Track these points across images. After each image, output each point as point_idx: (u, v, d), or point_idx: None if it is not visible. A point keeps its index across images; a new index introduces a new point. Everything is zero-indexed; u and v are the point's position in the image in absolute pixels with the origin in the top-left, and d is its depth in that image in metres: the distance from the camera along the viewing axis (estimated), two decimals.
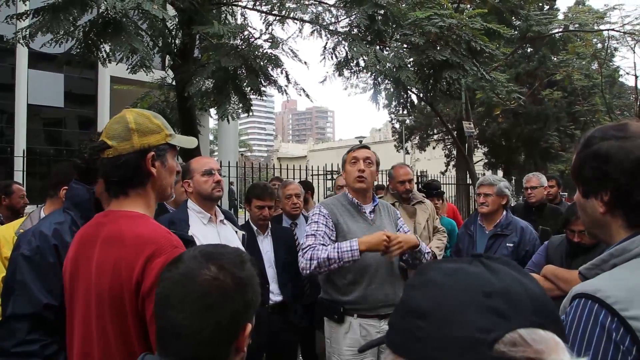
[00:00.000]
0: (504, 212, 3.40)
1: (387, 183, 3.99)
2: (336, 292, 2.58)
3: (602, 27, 13.84)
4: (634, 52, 14.99)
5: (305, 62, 5.83)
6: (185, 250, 1.08)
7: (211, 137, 26.78)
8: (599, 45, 16.04)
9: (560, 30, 13.85)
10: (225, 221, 2.70)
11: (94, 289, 1.28)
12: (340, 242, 2.50)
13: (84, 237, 1.38)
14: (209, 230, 2.55)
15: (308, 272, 2.49)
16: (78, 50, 5.19)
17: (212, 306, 0.94)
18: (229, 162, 8.26)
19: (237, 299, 0.96)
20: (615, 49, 16.05)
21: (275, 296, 3.17)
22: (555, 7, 17.37)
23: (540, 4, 15.21)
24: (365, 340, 2.50)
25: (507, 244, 3.25)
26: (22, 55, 15.22)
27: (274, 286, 3.18)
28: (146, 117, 1.40)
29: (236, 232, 2.73)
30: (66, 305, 1.40)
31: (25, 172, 6.32)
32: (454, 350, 0.52)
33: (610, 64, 17.09)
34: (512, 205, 5.47)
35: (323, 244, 2.48)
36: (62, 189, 2.43)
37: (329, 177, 10.81)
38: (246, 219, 3.43)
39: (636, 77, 15.04)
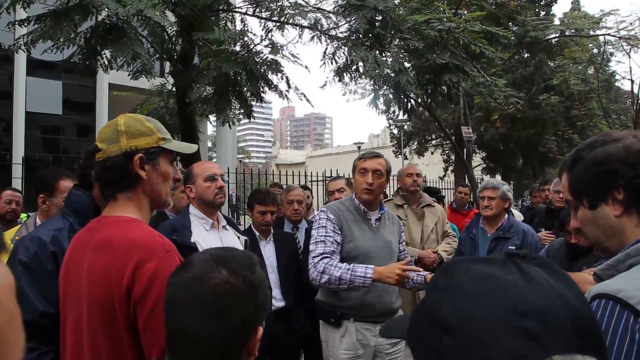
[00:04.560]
0: (506, 215, 3.41)
1: (397, 186, 3.96)
2: (333, 296, 2.56)
3: (597, 32, 13.96)
4: (630, 57, 15.12)
5: (306, 67, 5.86)
6: (195, 254, 1.04)
7: (209, 144, 26.78)
8: (595, 51, 16.13)
9: (557, 35, 13.96)
10: (227, 227, 2.67)
11: (85, 296, 1.24)
12: (346, 248, 2.51)
13: (77, 243, 1.34)
14: (212, 236, 2.51)
15: (317, 284, 2.45)
16: (79, 57, 5.20)
17: (224, 310, 0.91)
18: (227, 169, 8.25)
19: (249, 302, 0.94)
20: (611, 54, 16.15)
21: (278, 302, 3.15)
22: (551, 12, 17.50)
23: (537, 10, 15.32)
24: (361, 344, 2.49)
25: (509, 247, 3.25)
26: (20, 62, 15.25)
27: (276, 292, 3.16)
28: (138, 120, 1.37)
29: (238, 237, 2.69)
30: (60, 311, 1.35)
31: (24, 180, 6.29)
32: None
33: (607, 68, 17.18)
34: (531, 207, 5.23)
35: (334, 251, 2.47)
36: (39, 197, 2.44)
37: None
38: (247, 225, 3.41)
39: (632, 81, 15.19)
